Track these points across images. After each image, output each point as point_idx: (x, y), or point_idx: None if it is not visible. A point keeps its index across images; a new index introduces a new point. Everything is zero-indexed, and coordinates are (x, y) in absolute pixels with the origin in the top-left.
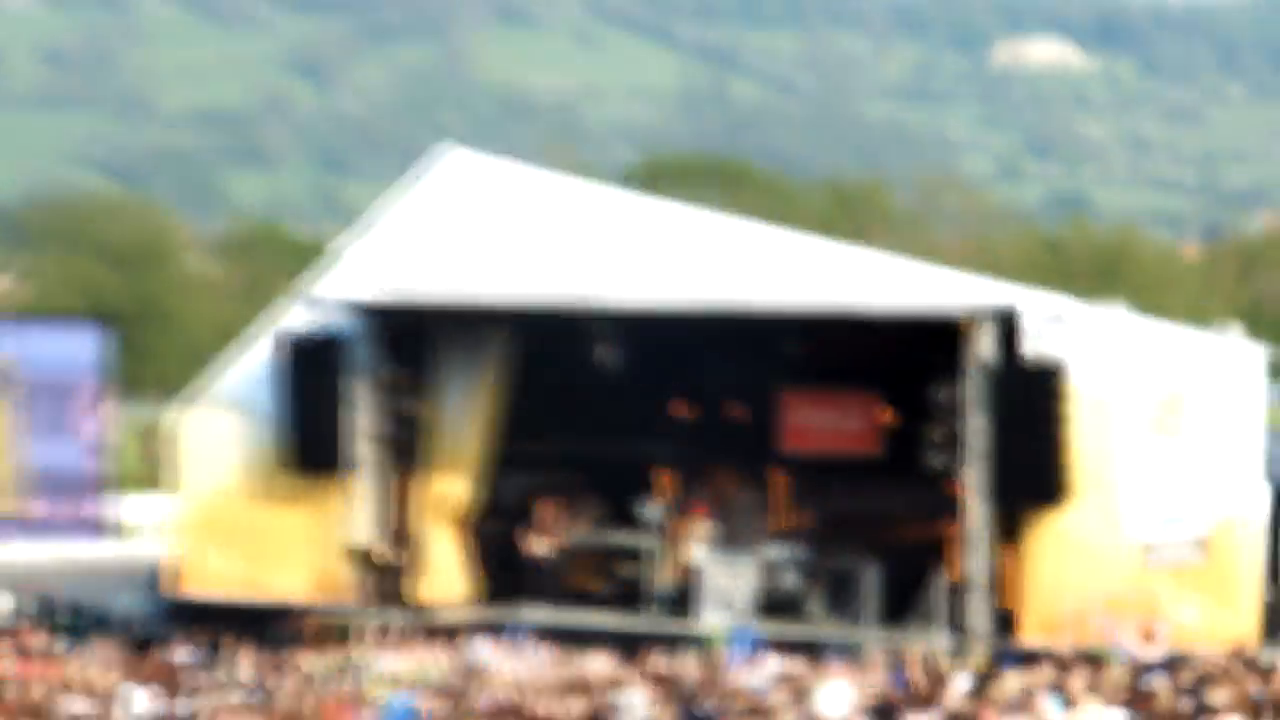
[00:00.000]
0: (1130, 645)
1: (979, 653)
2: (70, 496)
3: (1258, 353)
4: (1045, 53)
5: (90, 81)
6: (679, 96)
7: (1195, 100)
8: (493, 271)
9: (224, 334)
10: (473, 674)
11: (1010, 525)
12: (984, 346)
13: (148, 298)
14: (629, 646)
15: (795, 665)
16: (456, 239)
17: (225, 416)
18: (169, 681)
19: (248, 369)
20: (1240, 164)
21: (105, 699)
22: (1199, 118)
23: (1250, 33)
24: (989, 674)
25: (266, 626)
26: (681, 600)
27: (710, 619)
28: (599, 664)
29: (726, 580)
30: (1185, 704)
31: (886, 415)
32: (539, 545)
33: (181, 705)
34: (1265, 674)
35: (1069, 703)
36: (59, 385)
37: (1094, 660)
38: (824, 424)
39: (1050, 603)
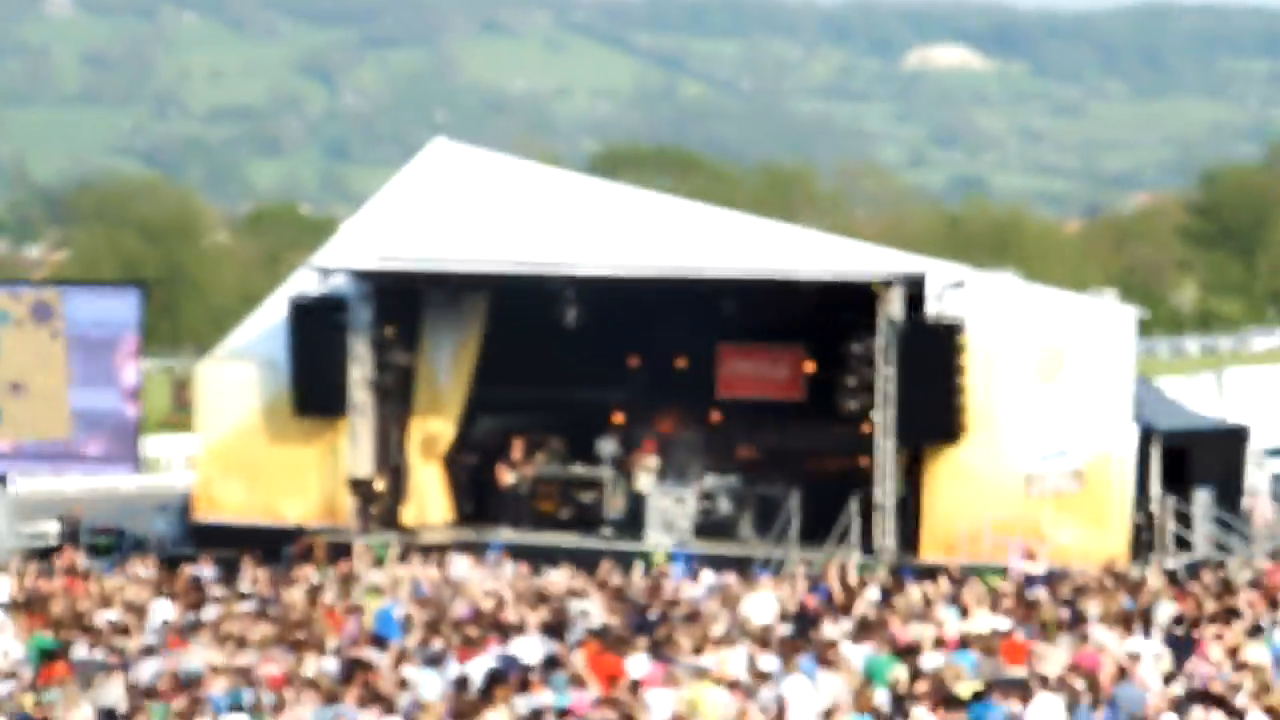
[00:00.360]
0: (1015, 562)
1: (885, 568)
2: (113, 436)
3: (1129, 313)
4: (949, 57)
5: (128, 81)
6: (634, 95)
7: (1079, 96)
8: (474, 243)
9: (245, 299)
10: (452, 586)
11: (914, 459)
12: (893, 307)
13: (179, 267)
14: (587, 562)
15: (728, 579)
16: (443, 216)
17: (244, 367)
18: (192, 595)
19: (263, 327)
20: (1116, 152)
21: (137, 610)
22: (1081, 112)
23: (1129, 37)
24: (894, 587)
25: (277, 546)
26: (632, 523)
27: (655, 539)
28: (560, 577)
29: (670, 506)
30: (1063, 613)
31: (809, 365)
32: (510, 476)
33: (202, 615)
34: (1134, 587)
35: (964, 612)
36: (103, 340)
37: (983, 574)
38: (755, 373)
39: (947, 525)
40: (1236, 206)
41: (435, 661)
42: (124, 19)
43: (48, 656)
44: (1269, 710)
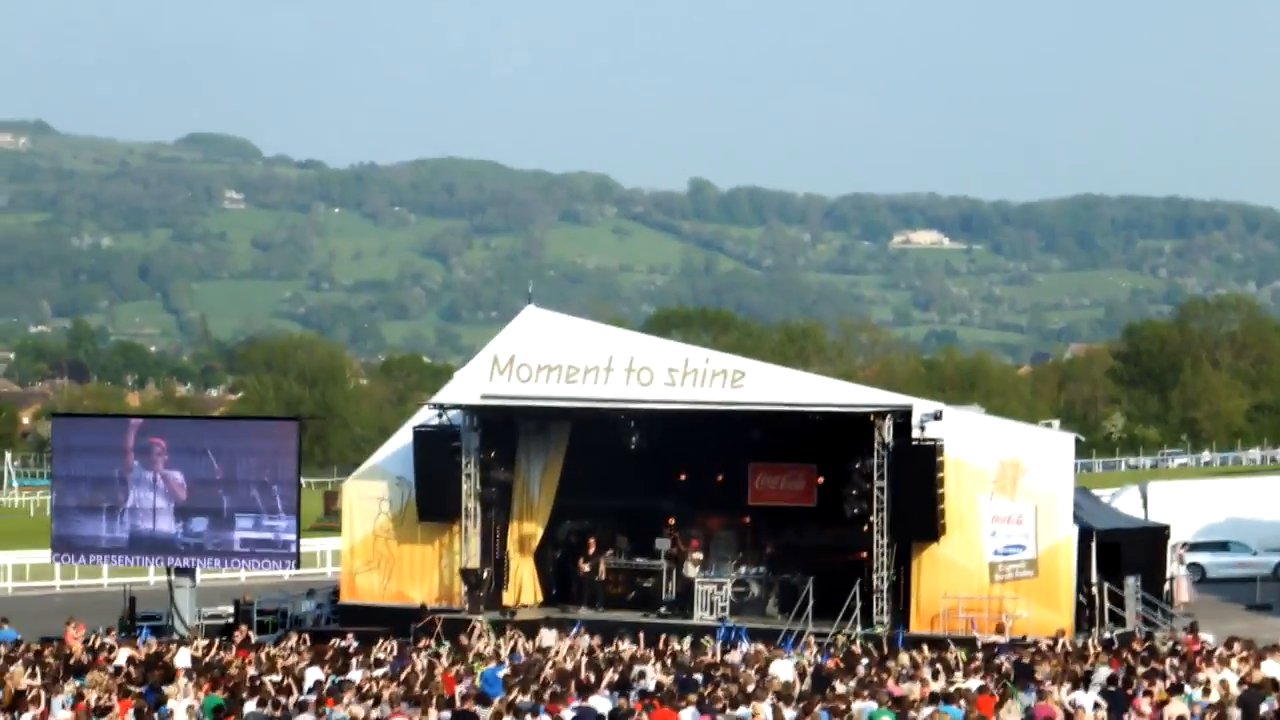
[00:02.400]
0: (983, 634)
1: (881, 638)
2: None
3: (1068, 439)
4: (926, 239)
5: (289, 260)
6: (681, 270)
7: (1027, 270)
8: (558, 385)
9: (379, 429)
10: (541, 653)
11: (903, 552)
12: (885, 433)
13: (328, 405)
14: (647, 634)
15: (758, 647)
16: (533, 364)
17: (379, 483)
18: (338, 661)
19: (394, 450)
20: (1058, 313)
21: (293, 674)
22: (1030, 281)
23: (1065, 224)
24: (888, 653)
25: (405, 623)
26: (682, 604)
27: (701, 616)
28: (626, 646)
29: (712, 590)
30: (1022, 674)
31: (820, 479)
32: (586, 567)
33: (346, 677)
34: (1078, 653)
35: (946, 672)
36: (269, 464)
37: (959, 644)
38: (778, 485)
39: (930, 604)
40: (1153, 354)
41: (528, 714)
42: (285, 211)
43: (219, 712)
44: None
